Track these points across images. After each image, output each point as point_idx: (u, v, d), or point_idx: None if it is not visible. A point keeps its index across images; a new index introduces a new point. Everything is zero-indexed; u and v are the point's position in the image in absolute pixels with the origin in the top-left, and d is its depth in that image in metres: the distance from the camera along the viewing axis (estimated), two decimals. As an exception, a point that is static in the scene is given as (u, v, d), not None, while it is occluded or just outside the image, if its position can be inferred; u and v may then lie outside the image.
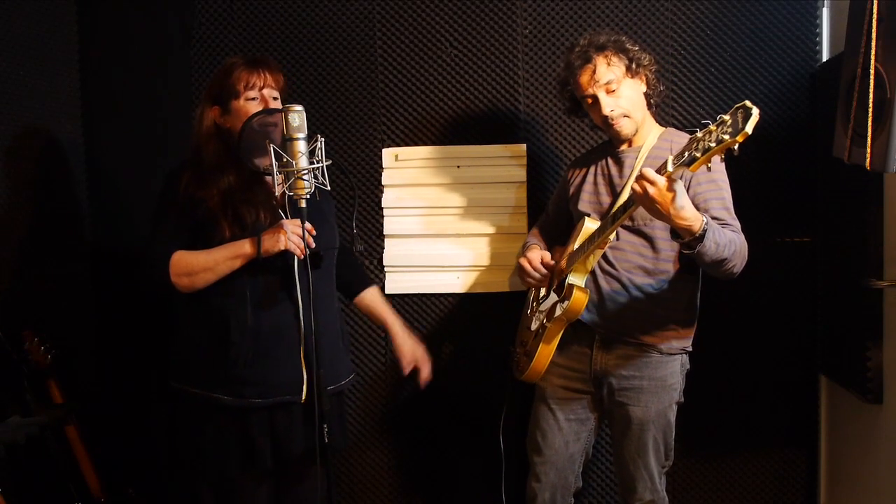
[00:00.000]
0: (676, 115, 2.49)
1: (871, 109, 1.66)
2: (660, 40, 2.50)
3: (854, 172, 1.86)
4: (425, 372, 2.19)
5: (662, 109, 2.03)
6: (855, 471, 2.36)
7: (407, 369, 2.18)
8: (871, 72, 1.65)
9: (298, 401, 1.88)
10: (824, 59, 2.46)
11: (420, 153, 2.60)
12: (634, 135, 1.99)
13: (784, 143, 2.46)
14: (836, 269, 2.34)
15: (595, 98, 1.94)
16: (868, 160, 1.67)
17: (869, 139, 1.66)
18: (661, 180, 1.60)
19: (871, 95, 1.66)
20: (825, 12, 2.46)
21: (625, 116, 1.94)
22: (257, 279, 1.85)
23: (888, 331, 2.08)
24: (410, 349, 2.18)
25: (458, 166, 2.59)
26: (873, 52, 1.65)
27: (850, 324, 2.24)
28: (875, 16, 1.63)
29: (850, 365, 2.23)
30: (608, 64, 1.92)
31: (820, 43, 2.46)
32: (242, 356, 1.84)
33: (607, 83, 1.92)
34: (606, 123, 1.96)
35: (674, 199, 1.61)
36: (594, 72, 1.92)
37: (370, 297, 2.23)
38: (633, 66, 1.93)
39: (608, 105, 1.92)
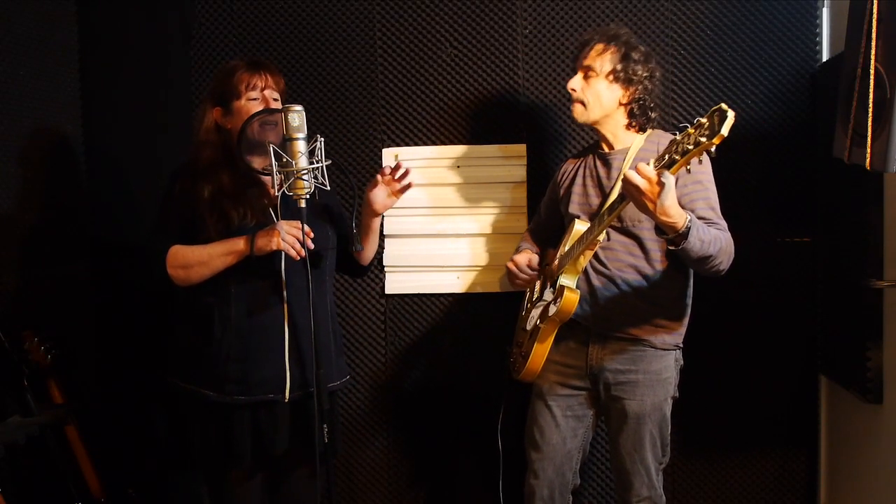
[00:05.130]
0: (677, 115, 2.49)
1: (871, 109, 1.66)
2: (660, 40, 2.50)
3: (854, 172, 1.86)
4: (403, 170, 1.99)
5: (663, 110, 2.04)
6: (855, 471, 2.35)
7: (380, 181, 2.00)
8: (871, 72, 1.65)
9: (282, 400, 1.89)
10: (824, 59, 2.46)
11: (420, 153, 2.60)
12: (593, 123, 2.03)
13: (784, 143, 2.46)
14: (836, 269, 2.34)
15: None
16: (868, 160, 1.67)
17: (869, 139, 1.66)
18: (653, 174, 1.62)
19: (871, 95, 1.66)
20: (825, 12, 2.46)
21: (580, 103, 2.01)
22: (246, 278, 1.87)
23: (888, 331, 2.08)
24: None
25: (458, 166, 2.59)
26: (873, 52, 1.65)
27: (850, 324, 2.24)
28: (875, 16, 1.63)
29: (850, 365, 2.23)
30: (600, 54, 1.99)
31: (820, 43, 2.46)
32: (224, 353, 1.87)
33: (588, 67, 1.99)
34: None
35: (659, 193, 1.63)
36: (588, 51, 2.00)
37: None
38: (621, 74, 1.97)
39: (573, 83, 2.02)
